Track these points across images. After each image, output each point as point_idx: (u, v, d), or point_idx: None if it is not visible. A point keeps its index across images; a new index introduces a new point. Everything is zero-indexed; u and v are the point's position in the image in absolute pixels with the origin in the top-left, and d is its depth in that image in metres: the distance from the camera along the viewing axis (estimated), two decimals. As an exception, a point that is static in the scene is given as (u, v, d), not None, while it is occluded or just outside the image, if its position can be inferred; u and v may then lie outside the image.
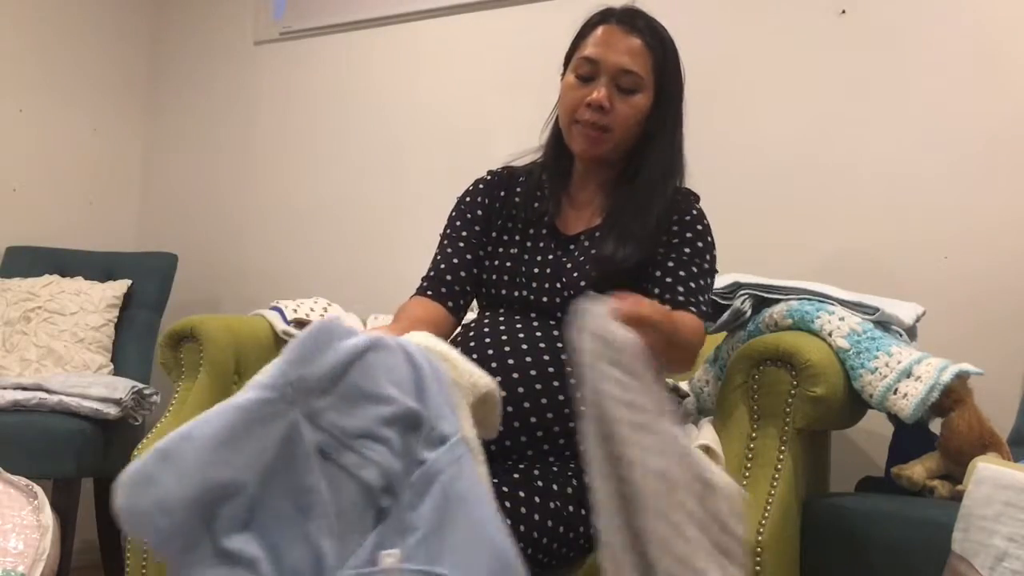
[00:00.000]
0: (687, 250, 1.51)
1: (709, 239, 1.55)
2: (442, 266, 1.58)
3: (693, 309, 1.46)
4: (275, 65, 3.09)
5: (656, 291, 1.47)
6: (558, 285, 1.50)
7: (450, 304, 1.55)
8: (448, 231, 1.63)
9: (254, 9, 3.14)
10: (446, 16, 2.76)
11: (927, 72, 2.08)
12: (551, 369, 1.41)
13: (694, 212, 1.55)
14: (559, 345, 1.43)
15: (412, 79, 2.81)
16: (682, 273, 1.49)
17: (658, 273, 1.49)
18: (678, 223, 1.53)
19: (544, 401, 1.40)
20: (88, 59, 3.19)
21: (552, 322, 1.47)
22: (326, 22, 2.97)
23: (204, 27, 3.26)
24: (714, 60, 2.31)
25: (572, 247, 1.54)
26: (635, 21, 1.52)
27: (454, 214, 1.64)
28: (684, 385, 1.93)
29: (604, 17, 1.53)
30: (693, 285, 1.49)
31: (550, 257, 1.54)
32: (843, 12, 2.18)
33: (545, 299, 1.50)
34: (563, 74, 1.57)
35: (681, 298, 1.46)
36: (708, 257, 1.53)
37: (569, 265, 1.51)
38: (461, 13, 2.73)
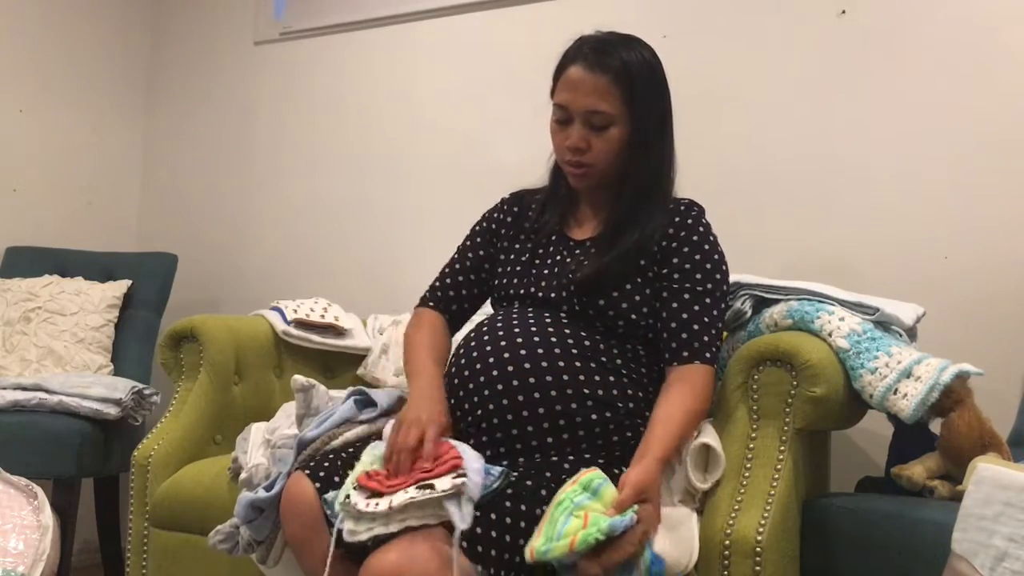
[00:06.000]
0: (699, 276, 1.57)
1: (717, 257, 1.60)
2: (447, 280, 1.77)
3: (708, 355, 1.53)
4: (275, 65, 3.09)
5: (672, 326, 1.55)
6: (564, 282, 1.59)
7: (447, 314, 1.75)
8: (463, 245, 1.80)
9: (254, 9, 3.14)
10: (446, 16, 2.76)
11: (927, 72, 2.08)
12: (557, 351, 1.51)
13: (701, 229, 1.61)
14: (566, 331, 1.54)
15: (412, 79, 2.81)
16: (696, 307, 1.55)
17: (673, 304, 1.56)
18: (684, 240, 1.58)
19: (549, 379, 1.48)
20: (88, 59, 3.19)
21: (562, 314, 1.57)
22: (326, 22, 2.97)
23: (204, 27, 3.26)
24: (714, 60, 2.31)
25: (578, 251, 1.64)
26: (603, 58, 1.56)
27: (473, 230, 1.81)
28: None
29: (575, 55, 1.60)
30: (707, 320, 1.55)
31: (558, 258, 1.65)
32: (843, 12, 2.18)
33: (553, 294, 1.59)
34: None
35: (696, 343, 1.53)
36: (719, 277, 1.59)
37: (573, 266, 1.61)
38: (461, 13, 2.73)
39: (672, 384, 1.53)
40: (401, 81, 2.83)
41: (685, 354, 1.53)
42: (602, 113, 1.55)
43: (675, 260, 1.57)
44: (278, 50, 3.09)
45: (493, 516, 1.33)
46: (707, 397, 1.53)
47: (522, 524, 1.34)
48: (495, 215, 1.79)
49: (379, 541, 1.30)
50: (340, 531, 1.33)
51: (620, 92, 1.55)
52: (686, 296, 1.56)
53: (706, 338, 1.54)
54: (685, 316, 1.54)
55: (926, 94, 2.08)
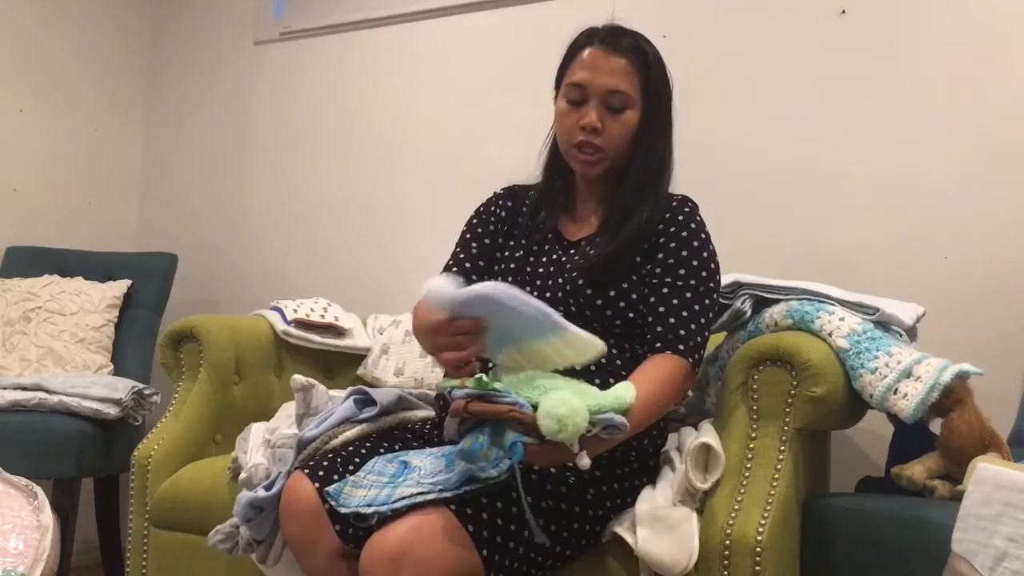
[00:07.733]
0: (682, 271, 1.53)
1: (705, 254, 1.56)
2: (454, 269, 1.69)
3: (681, 347, 1.48)
4: (275, 65, 3.09)
5: (649, 319, 1.52)
6: (560, 281, 1.57)
7: None
8: (461, 239, 1.74)
9: (254, 9, 3.14)
10: (446, 16, 2.76)
11: (927, 72, 2.08)
12: None
13: (692, 226, 1.57)
14: None
15: (412, 79, 2.81)
16: (675, 301, 1.51)
17: (652, 299, 1.53)
18: (673, 236, 1.56)
19: None
20: (88, 59, 3.19)
21: None
22: (326, 22, 2.97)
23: (204, 27, 3.26)
24: (714, 60, 2.31)
25: (573, 251, 1.61)
26: (618, 41, 1.56)
27: (468, 224, 1.74)
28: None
29: (588, 39, 1.58)
30: (686, 314, 1.50)
31: (553, 258, 1.62)
32: (843, 12, 2.18)
33: (548, 294, 1.56)
34: (555, 97, 1.63)
35: (671, 335, 1.49)
36: (704, 275, 1.54)
37: (569, 266, 1.58)
38: (461, 13, 2.73)
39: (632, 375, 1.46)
40: (400, 81, 2.83)
41: (658, 345, 1.49)
42: (622, 93, 1.54)
43: (660, 255, 1.55)
44: (278, 50, 3.09)
45: (499, 505, 1.35)
46: (662, 386, 1.43)
47: (525, 516, 1.36)
48: (491, 208, 1.74)
49: (383, 521, 1.31)
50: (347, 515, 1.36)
51: (638, 75, 1.55)
52: (665, 290, 1.52)
53: (683, 332, 1.49)
54: (662, 310, 1.51)
55: (926, 94, 2.08)
